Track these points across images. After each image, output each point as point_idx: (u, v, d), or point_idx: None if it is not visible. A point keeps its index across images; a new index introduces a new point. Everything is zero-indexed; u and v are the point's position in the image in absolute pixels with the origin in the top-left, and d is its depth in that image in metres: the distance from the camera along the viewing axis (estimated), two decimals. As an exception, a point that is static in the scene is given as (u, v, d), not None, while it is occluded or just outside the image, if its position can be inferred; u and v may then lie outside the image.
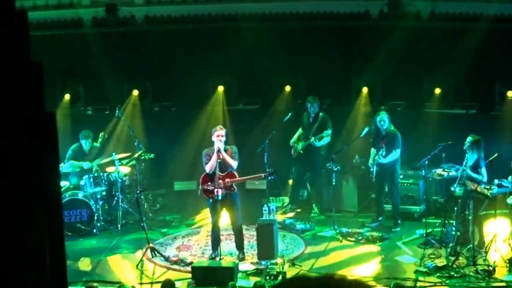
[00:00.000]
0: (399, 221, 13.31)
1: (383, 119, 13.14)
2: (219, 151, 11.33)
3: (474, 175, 11.58)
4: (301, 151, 14.20)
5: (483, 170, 11.61)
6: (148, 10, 16.71)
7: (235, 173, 11.50)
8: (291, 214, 14.32)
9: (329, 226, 13.25)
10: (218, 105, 16.16)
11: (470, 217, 11.20)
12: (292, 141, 14.33)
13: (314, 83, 15.59)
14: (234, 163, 11.49)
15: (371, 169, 13.25)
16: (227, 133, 11.75)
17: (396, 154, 13.04)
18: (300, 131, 14.37)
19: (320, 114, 14.25)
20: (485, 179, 11.60)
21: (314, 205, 14.48)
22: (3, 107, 2.07)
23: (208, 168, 11.46)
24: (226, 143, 11.63)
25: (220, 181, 11.34)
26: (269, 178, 11.96)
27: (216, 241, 11.62)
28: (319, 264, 11.60)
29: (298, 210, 14.46)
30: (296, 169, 14.71)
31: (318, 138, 13.89)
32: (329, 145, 14.25)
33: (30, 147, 2.11)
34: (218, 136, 11.44)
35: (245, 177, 11.91)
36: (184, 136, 15.66)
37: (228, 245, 12.23)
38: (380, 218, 13.43)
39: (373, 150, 13.39)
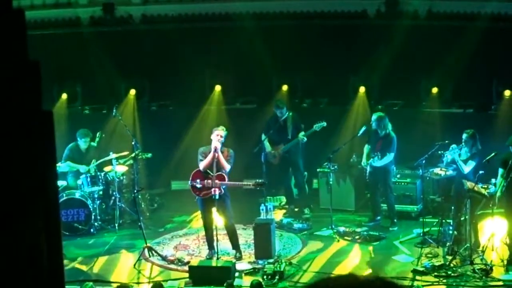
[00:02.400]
0: (395, 220, 13.32)
1: (373, 120, 13.16)
2: (215, 150, 11.31)
3: (460, 163, 11.67)
4: (285, 154, 14.12)
5: (472, 164, 11.67)
6: (145, 9, 16.70)
7: (225, 176, 11.45)
8: (288, 214, 14.34)
9: (326, 225, 13.25)
10: (216, 104, 16.16)
11: (467, 217, 11.21)
12: (268, 150, 14.15)
13: (311, 82, 15.60)
14: (227, 166, 11.43)
15: (365, 168, 13.27)
16: (227, 135, 11.70)
17: (389, 157, 13.03)
18: (264, 137, 14.10)
19: (289, 114, 14.13)
20: (465, 171, 11.66)
21: (309, 205, 14.43)
22: (0, 106, 2.06)
23: (202, 165, 11.44)
24: (223, 144, 11.60)
25: (209, 181, 11.30)
26: (257, 188, 11.93)
27: (211, 240, 11.61)
28: (316, 263, 11.60)
29: (296, 209, 14.45)
30: (284, 172, 14.61)
31: (306, 135, 13.80)
32: (322, 144, 14.23)
33: (27, 147, 2.10)
34: (217, 136, 11.43)
35: (233, 183, 11.84)
36: (181, 135, 15.65)
37: (225, 244, 12.21)
38: (378, 217, 13.44)
39: (366, 147, 13.41)
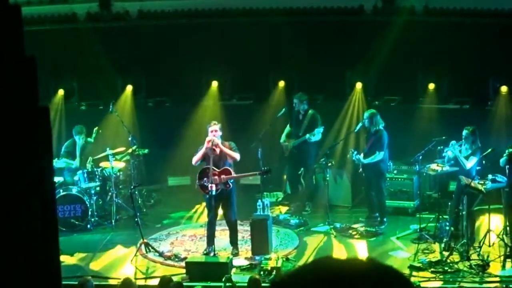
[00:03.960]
0: (384, 220, 13.16)
1: (365, 118, 13.10)
2: (216, 145, 11.32)
3: (462, 159, 11.66)
4: (294, 149, 14.13)
5: (474, 159, 11.64)
6: (141, 5, 16.66)
7: (231, 169, 11.48)
8: (286, 209, 14.33)
9: (323, 221, 13.25)
10: (212, 100, 16.14)
11: (464, 212, 11.22)
12: (282, 140, 14.22)
13: (308, 79, 15.58)
14: (237, 155, 11.51)
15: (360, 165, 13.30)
16: (222, 129, 11.73)
17: (378, 156, 12.87)
18: (288, 128, 14.27)
19: (310, 111, 14.14)
20: (468, 167, 11.63)
21: (306, 203, 14.40)
22: (-3, 102, 2.06)
23: (193, 160, 11.52)
24: (223, 138, 11.63)
25: (216, 177, 11.32)
26: (264, 176, 12.01)
27: (211, 237, 11.63)
28: (313, 259, 11.58)
29: (297, 203, 14.43)
30: (289, 166, 14.64)
31: (311, 135, 13.79)
32: (321, 141, 14.21)
33: (23, 142, 2.10)
34: (212, 132, 11.46)
35: (240, 175, 11.92)
36: (178, 131, 15.62)
37: (222, 240, 12.22)
38: (375, 214, 13.42)
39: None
